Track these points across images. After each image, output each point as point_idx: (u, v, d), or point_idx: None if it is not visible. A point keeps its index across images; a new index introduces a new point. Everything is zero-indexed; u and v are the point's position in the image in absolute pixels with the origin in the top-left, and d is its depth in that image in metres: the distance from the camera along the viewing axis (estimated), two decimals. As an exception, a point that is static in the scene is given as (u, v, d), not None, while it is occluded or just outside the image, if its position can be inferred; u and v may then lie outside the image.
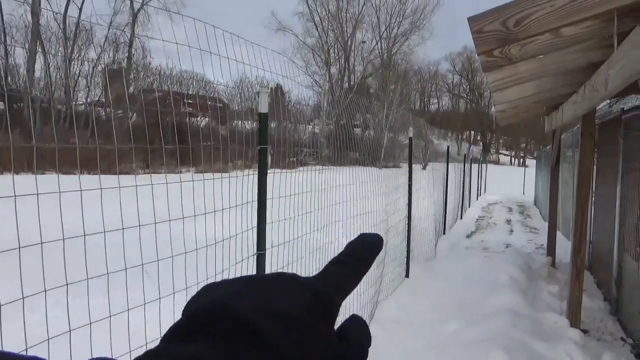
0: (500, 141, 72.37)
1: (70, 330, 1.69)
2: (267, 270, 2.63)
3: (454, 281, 6.51)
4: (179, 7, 32.39)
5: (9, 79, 26.28)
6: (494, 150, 70.30)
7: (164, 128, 3.03)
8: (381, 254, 4.29)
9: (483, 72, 3.35)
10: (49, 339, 1.62)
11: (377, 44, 50.64)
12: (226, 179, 2.62)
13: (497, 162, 63.49)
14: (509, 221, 14.00)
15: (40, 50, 27.40)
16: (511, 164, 64.67)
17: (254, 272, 2.58)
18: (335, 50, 49.57)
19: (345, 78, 48.93)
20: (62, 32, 28.12)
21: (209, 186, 2.63)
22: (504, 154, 71.19)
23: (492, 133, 68.47)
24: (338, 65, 49.95)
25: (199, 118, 20.57)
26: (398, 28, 50.49)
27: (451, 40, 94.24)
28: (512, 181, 29.37)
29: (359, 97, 5.33)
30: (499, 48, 2.63)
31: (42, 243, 1.56)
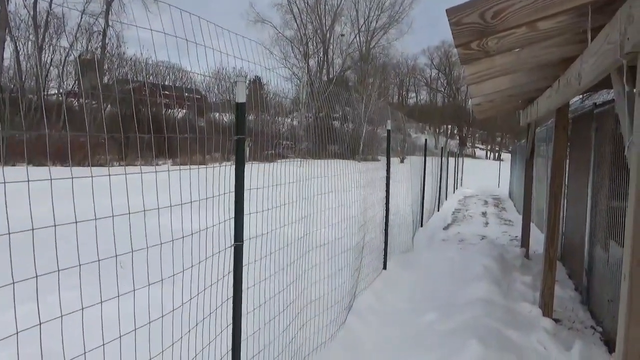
0: (477, 135, 73.41)
1: (40, 324, 1.64)
2: (245, 262, 2.61)
3: (431, 272, 6.59)
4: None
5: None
6: (470, 144, 71.29)
7: (139, 120, 2.97)
8: (359, 246, 4.32)
9: (461, 66, 3.38)
10: (17, 333, 1.58)
11: (355, 37, 50.69)
12: (203, 170, 2.58)
13: (473, 156, 64.43)
14: (484, 214, 14.23)
15: (8, 38, 26.51)
16: (487, 158, 65.70)
17: (232, 264, 2.56)
18: (314, 42, 49.42)
19: (324, 71, 48.83)
20: (32, 19, 27.25)
21: (186, 178, 2.59)
22: (480, 148, 72.27)
23: (469, 127, 69.38)
24: (317, 58, 49.84)
25: (175, 110, 20.26)
26: (377, 21, 50.63)
27: (429, 35, 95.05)
28: (488, 175, 29.86)
29: (338, 89, 5.32)
30: (476, 41, 2.65)
31: (9, 234, 1.51)
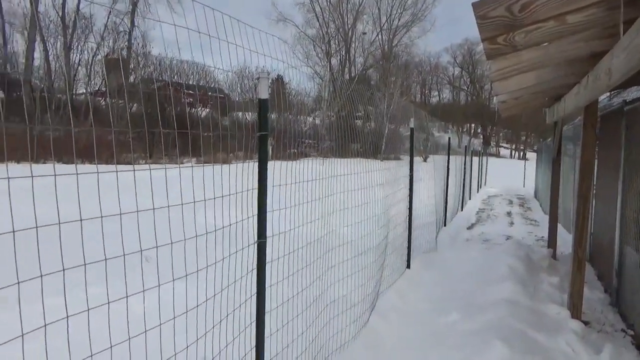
0: (501, 134, 72.19)
1: (67, 317, 1.68)
2: (268, 259, 2.62)
3: (454, 272, 6.51)
4: (179, -3, 32.11)
5: (8, 67, 26.17)
6: (494, 143, 70.17)
7: (164, 118, 3.00)
8: (382, 245, 4.28)
9: (486, 62, 3.32)
10: (45, 325, 1.61)
11: (377, 35, 50.39)
12: (226, 167, 2.60)
13: (497, 155, 63.41)
14: (509, 213, 13.99)
15: (38, 38, 27.22)
16: (511, 157, 64.58)
17: (255, 260, 2.57)
18: (336, 41, 49.31)
19: (346, 69, 48.72)
20: (60, 19, 27.92)
21: (211, 175, 2.60)
22: (504, 147, 71.06)
23: (493, 126, 68.28)
24: (339, 57, 49.71)
25: (199, 108, 20.50)
26: (399, 19, 50.22)
27: (452, 32, 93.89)
28: (512, 174, 29.33)
29: (361, 87, 5.28)
30: (503, 35, 2.59)
31: (37, 227, 1.54)
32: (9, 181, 1.54)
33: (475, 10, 2.35)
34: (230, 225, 2.47)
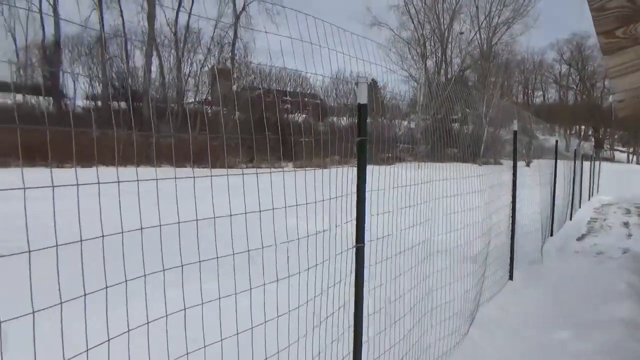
0: (616, 136, 65.64)
1: (185, 309, 1.82)
2: (366, 264, 2.64)
3: (562, 287, 6.04)
4: (277, 9, 33.41)
5: (129, 80, 29.03)
6: (609, 147, 64.00)
7: (264, 125, 3.15)
8: (483, 254, 4.09)
9: (599, 57, 3.05)
10: (166, 315, 1.76)
11: (475, 34, 48.39)
12: (323, 172, 2.65)
13: (612, 160, 57.76)
14: (626, 224, 12.68)
15: (155, 53, 29.88)
16: (629, 162, 58.54)
17: (354, 265, 2.60)
18: (432, 42, 48.16)
19: (442, 71, 47.39)
20: (173, 35, 30.41)
21: (309, 179, 2.68)
22: (620, 151, 64.57)
23: (606, 127, 62.34)
24: (434, 58, 48.52)
25: (296, 114, 21.17)
26: (499, 17, 47.77)
27: (558, 27, 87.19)
28: (630, 180, 26.59)
29: (458, 89, 5.11)
30: (622, 27, 2.37)
31: (141, 229, 1.69)
32: (138, 184, 1.72)
33: (591, 2, 2.18)
34: (324, 231, 2.53)
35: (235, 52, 32.75)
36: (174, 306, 1.89)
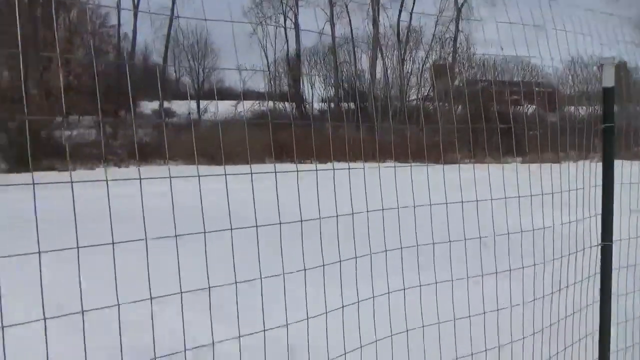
0: None
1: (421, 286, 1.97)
2: (615, 265, 2.39)
3: None
4: (498, -4, 31.33)
5: (357, 82, 31.40)
6: None
7: (488, 118, 3.07)
8: None
9: None
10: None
11: None
12: (555, 167, 2.47)
13: None
14: None
15: (379, 55, 31.51)
16: None
17: (598, 264, 2.38)
18: None
19: None
20: (396, 36, 31.50)
21: (537, 176, 2.56)
22: None
23: None
24: None
25: (525, 106, 19.59)
26: None
27: None
28: None
29: None
30: None
31: (382, 209, 1.86)
32: (364, 178, 1.92)
33: None
34: (569, 223, 2.40)
35: (458, 45, 31.97)
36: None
